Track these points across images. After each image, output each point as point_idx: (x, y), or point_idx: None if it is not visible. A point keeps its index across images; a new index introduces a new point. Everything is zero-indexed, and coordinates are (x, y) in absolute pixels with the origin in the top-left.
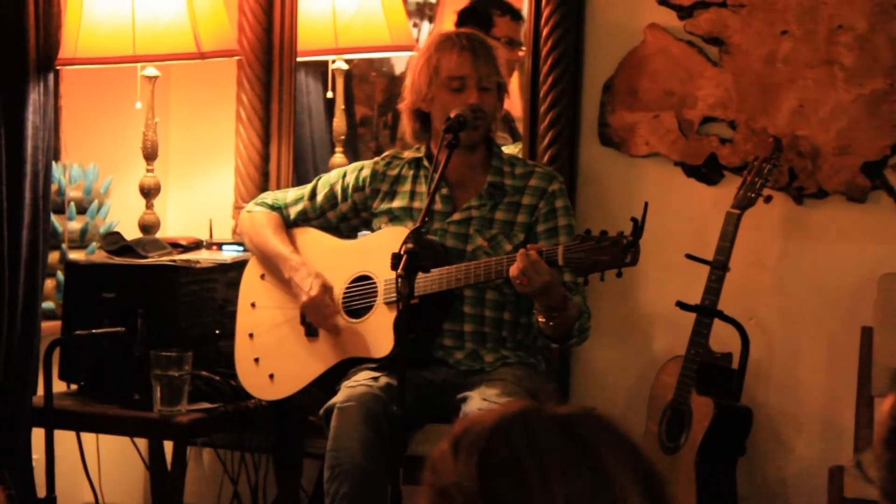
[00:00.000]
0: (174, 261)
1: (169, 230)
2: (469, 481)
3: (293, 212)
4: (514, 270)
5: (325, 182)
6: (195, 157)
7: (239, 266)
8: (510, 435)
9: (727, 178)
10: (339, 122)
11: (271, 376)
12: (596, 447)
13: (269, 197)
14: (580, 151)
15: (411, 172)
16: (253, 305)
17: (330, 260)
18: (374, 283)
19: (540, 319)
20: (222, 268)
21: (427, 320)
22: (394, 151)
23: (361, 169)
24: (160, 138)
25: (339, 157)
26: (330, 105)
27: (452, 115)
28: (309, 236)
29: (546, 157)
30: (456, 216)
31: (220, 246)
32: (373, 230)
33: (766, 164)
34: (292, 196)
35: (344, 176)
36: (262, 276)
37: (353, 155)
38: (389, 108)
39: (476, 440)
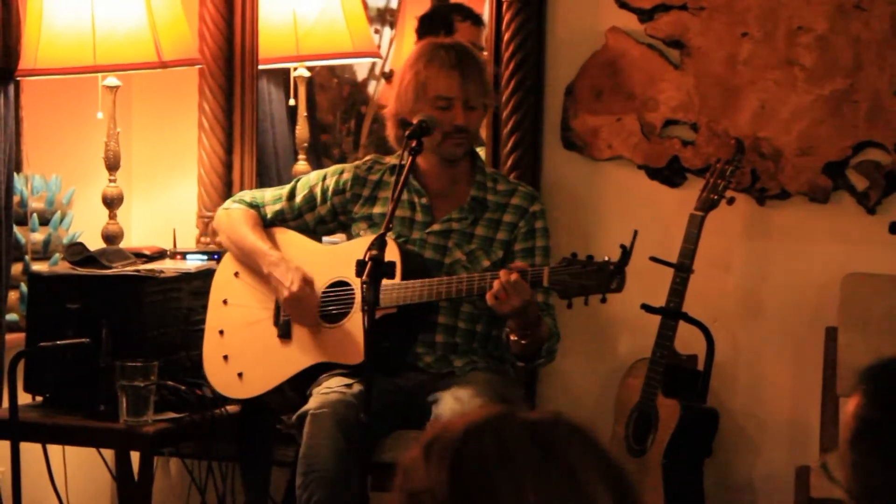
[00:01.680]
0: (138, 271)
1: (132, 240)
2: (440, 487)
3: (270, 211)
4: (496, 286)
5: (305, 183)
6: (158, 166)
7: (203, 275)
8: (481, 442)
9: (690, 180)
10: (302, 129)
11: (240, 375)
12: (566, 454)
13: (247, 195)
14: (543, 156)
15: (393, 179)
16: (225, 302)
17: (308, 262)
18: (352, 289)
19: (511, 337)
20: (186, 277)
21: (403, 330)
22: (375, 156)
23: (342, 172)
24: (122, 148)
25: (302, 164)
26: (292, 113)
27: (415, 120)
28: (287, 237)
29: (509, 162)
30: (436, 227)
31: (183, 255)
32: (350, 235)
33: (729, 165)
34: (270, 195)
35: (324, 178)
36: (237, 274)
37: (316, 162)
38: (352, 114)
39: (447, 446)
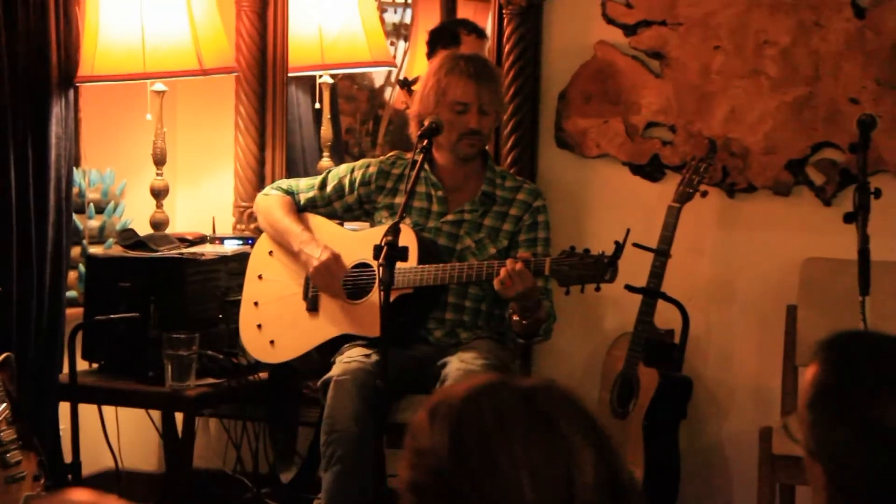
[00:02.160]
0: (181, 254)
1: (177, 227)
2: (441, 447)
3: (304, 198)
4: (502, 273)
5: (335, 175)
6: (199, 162)
7: (239, 258)
8: (479, 405)
9: (668, 175)
10: (326, 130)
11: (272, 342)
12: (555, 417)
13: (284, 183)
14: (539, 153)
15: (413, 173)
16: (260, 277)
17: (334, 244)
18: (373, 270)
19: (514, 318)
20: (224, 259)
21: (417, 308)
22: (398, 152)
23: (369, 166)
24: (168, 146)
25: (326, 160)
26: (318, 115)
27: (426, 122)
28: (317, 221)
29: (509, 159)
30: (450, 217)
31: (222, 240)
32: (373, 222)
33: (703, 163)
34: (304, 184)
35: (352, 171)
36: (271, 253)
37: (338, 159)
38: (370, 117)
39: (449, 410)
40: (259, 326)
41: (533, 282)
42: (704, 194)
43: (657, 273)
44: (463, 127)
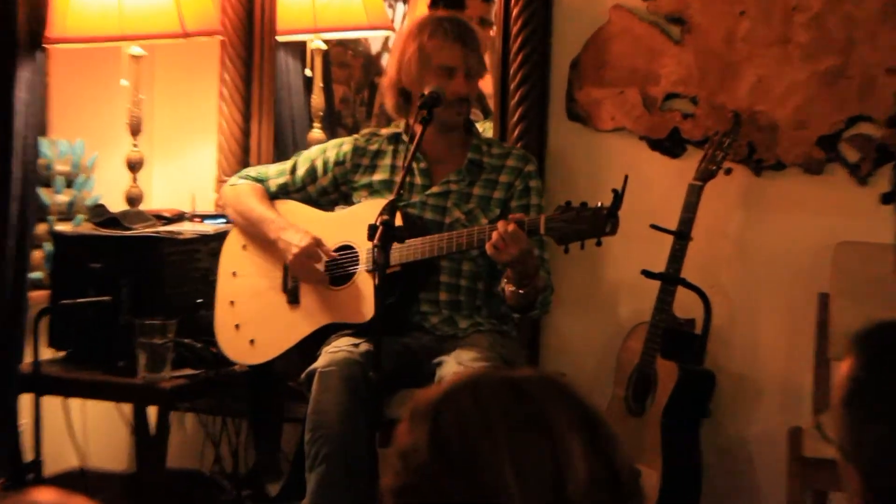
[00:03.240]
0: (158, 232)
1: (153, 203)
2: (422, 445)
3: (274, 184)
4: (494, 236)
5: (306, 157)
6: (179, 133)
7: (221, 237)
8: (458, 398)
9: (689, 151)
10: (318, 99)
11: (252, 342)
12: (543, 409)
13: (252, 171)
14: (549, 126)
15: (391, 147)
16: (234, 274)
17: (313, 229)
18: (356, 252)
19: (509, 288)
20: (204, 239)
21: (407, 287)
22: (372, 129)
23: (342, 144)
24: (145, 115)
25: (316, 132)
26: (308, 83)
27: (426, 91)
28: (291, 206)
29: (516, 133)
30: (435, 189)
31: (202, 218)
32: (352, 204)
33: (727, 137)
34: (274, 170)
35: (324, 151)
36: (244, 247)
37: (330, 131)
38: (365, 85)
39: (427, 408)
40: (237, 327)
41: (528, 243)
42: (728, 172)
43: (677, 257)
44: (451, 94)
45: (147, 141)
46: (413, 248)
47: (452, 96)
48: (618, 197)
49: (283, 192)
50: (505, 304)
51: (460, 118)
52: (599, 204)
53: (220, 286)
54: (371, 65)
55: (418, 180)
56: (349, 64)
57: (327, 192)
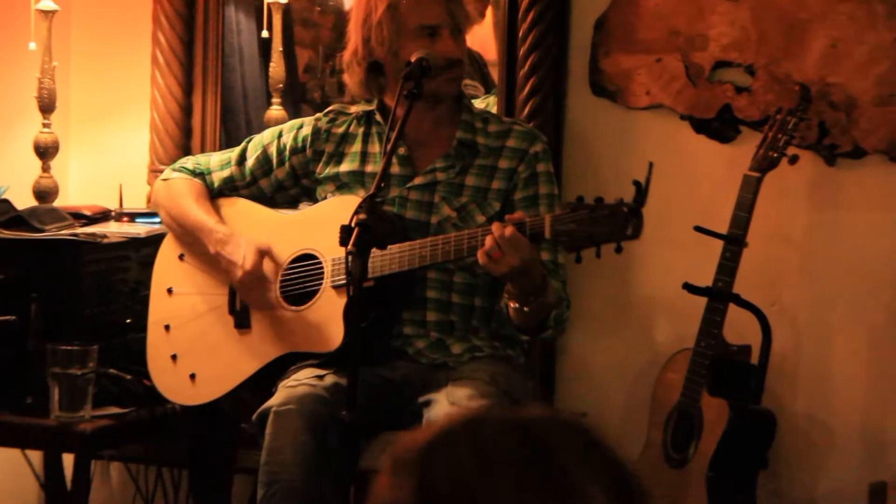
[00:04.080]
0: (76, 234)
1: (70, 198)
2: (407, 502)
3: (217, 178)
4: (488, 243)
5: (258, 144)
6: (102, 109)
7: (155, 241)
8: (454, 447)
9: (744, 134)
10: (277, 67)
11: (192, 376)
12: (557, 454)
13: (189, 162)
14: (567, 103)
15: (361, 130)
16: (169, 291)
17: (265, 236)
18: (320, 262)
19: (511, 305)
20: (135, 243)
21: (384, 307)
22: (338, 106)
23: (300, 127)
24: (59, 86)
25: (276, 109)
26: (266, 47)
27: (413, 59)
28: (238, 208)
29: (527, 110)
30: (418, 180)
31: (132, 217)
32: (315, 201)
33: (792, 117)
34: (217, 160)
35: (279, 136)
36: (181, 257)
37: (293, 108)
38: (337, 50)
39: (415, 457)
40: (174, 357)
41: (530, 250)
42: (794, 160)
43: (728, 268)
44: (439, 57)
45: (62, 120)
46: (388, 257)
47: (442, 61)
48: (641, 190)
49: (229, 187)
50: (509, 323)
51: (455, 86)
52: (620, 199)
53: (153, 306)
54: (344, 24)
55: (396, 169)
56: (316, 23)
57: (284, 186)
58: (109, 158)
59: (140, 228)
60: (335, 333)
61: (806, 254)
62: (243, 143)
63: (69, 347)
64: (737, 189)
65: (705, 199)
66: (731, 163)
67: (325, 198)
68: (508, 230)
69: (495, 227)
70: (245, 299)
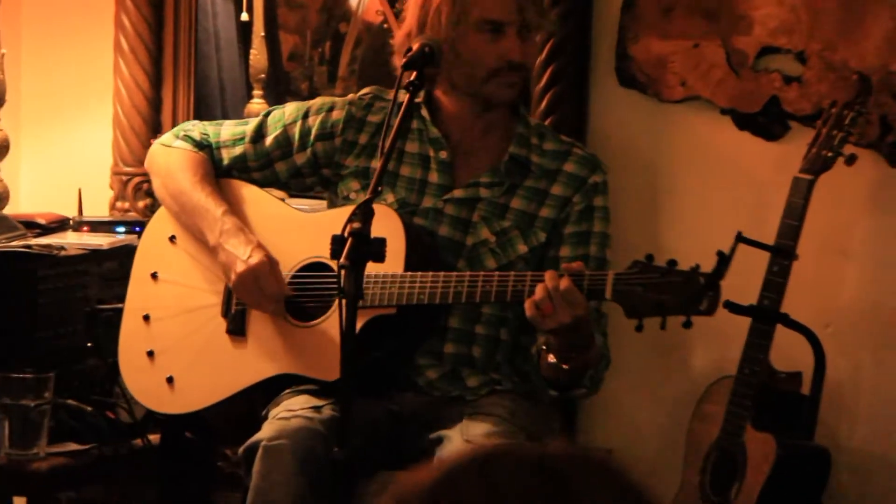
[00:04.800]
0: (29, 247)
1: (22, 204)
2: None
3: (227, 155)
4: (538, 293)
5: (277, 120)
6: (58, 103)
7: (120, 254)
8: (464, 486)
9: (794, 130)
10: (259, 55)
11: (170, 380)
12: (579, 496)
13: (195, 130)
14: (590, 95)
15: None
16: (154, 277)
17: (274, 234)
18: (335, 275)
19: (548, 358)
20: (96, 256)
21: (404, 338)
22: (376, 89)
23: (332, 109)
24: (9, 78)
25: (257, 103)
26: (246, 32)
27: (415, 46)
28: (247, 195)
29: (543, 104)
30: (457, 193)
31: (93, 226)
32: (335, 195)
33: (849, 111)
34: (228, 133)
35: (305, 116)
36: (173, 239)
37: (276, 100)
38: (327, 35)
39: (419, 498)
40: (150, 354)
41: (586, 308)
42: (851, 160)
43: (776, 284)
44: (498, 59)
45: (12, 116)
46: (419, 285)
47: (500, 63)
48: (723, 261)
49: (240, 167)
50: (537, 376)
51: (513, 92)
52: (695, 266)
53: (132, 290)
54: (335, 5)
55: (434, 177)
56: (303, 4)
57: (302, 174)
58: (66, 159)
59: (102, 240)
60: (337, 360)
61: (865, 268)
62: (259, 117)
63: (21, 376)
64: (785, 193)
65: (749, 205)
66: (779, 164)
67: (348, 197)
68: (564, 283)
69: (549, 276)
70: (241, 298)
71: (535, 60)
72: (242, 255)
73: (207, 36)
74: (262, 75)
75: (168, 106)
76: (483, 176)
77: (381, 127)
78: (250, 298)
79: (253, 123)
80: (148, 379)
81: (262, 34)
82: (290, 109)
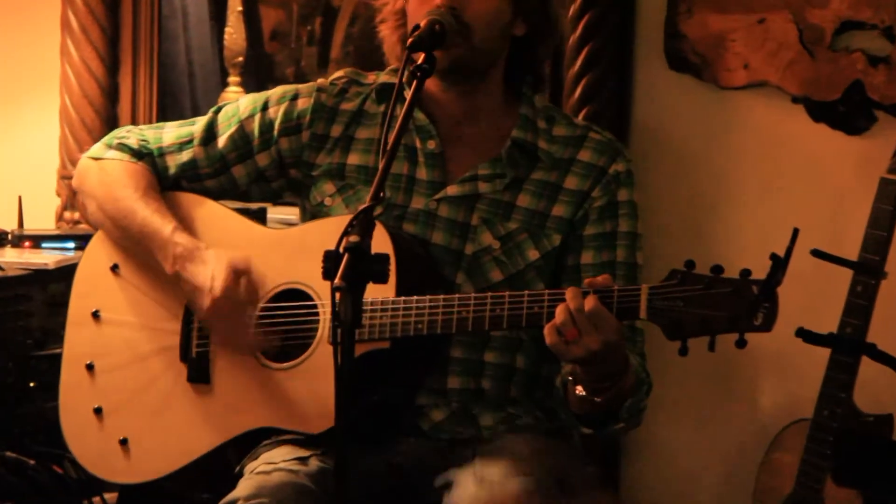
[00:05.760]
0: None
1: None
2: None
3: (174, 163)
4: (559, 316)
5: (231, 116)
6: None
7: (67, 274)
8: None
9: (881, 122)
10: (235, 34)
11: (123, 442)
12: None
13: (130, 136)
14: (635, 80)
15: (381, 108)
16: (96, 317)
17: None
18: (315, 305)
19: (576, 391)
20: (40, 277)
21: (402, 375)
22: (350, 72)
23: (296, 97)
24: None
25: (233, 91)
26: (219, 6)
27: (423, 23)
28: (199, 210)
29: (578, 91)
30: (451, 190)
31: (36, 241)
32: (308, 203)
33: None
34: (172, 136)
35: (264, 108)
36: (115, 269)
37: (256, 87)
38: (317, 11)
39: None
40: (98, 412)
41: (618, 330)
42: None
43: (860, 307)
44: (427, 8)
45: None
46: (415, 311)
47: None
48: (779, 265)
49: (189, 175)
50: (565, 410)
51: (452, 53)
52: (745, 272)
53: (70, 334)
54: None
55: (423, 173)
56: None
57: (265, 177)
58: (4, 161)
59: (47, 258)
60: (328, 407)
61: None
62: (209, 114)
63: None
64: (870, 198)
65: (827, 211)
66: (863, 162)
67: (322, 203)
68: (590, 302)
69: (571, 295)
70: (219, 334)
71: (488, 16)
72: (206, 284)
73: (173, 11)
74: (240, 58)
75: (126, 95)
76: (481, 168)
77: (357, 116)
78: (226, 336)
79: (201, 122)
80: (96, 442)
81: (240, 9)
82: (246, 102)
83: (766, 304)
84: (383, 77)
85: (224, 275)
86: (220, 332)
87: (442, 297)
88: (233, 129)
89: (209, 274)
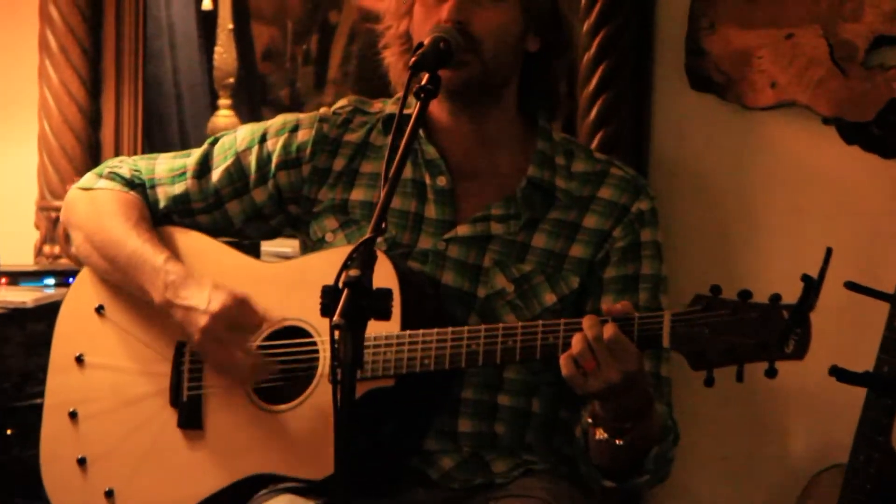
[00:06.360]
0: None
1: None
2: None
3: (165, 195)
4: (575, 346)
5: (227, 148)
6: None
7: (48, 314)
8: None
9: None
10: (226, 54)
11: (109, 494)
12: None
13: (123, 166)
14: (654, 101)
15: (388, 141)
16: (80, 361)
17: None
18: (314, 342)
19: (597, 435)
20: (18, 316)
21: (406, 417)
22: (355, 100)
23: (296, 128)
24: None
25: (224, 115)
26: (208, 25)
27: (427, 41)
28: (191, 245)
29: (592, 114)
30: (462, 230)
31: (13, 278)
32: (309, 240)
33: None
34: (165, 168)
35: (263, 139)
36: (101, 310)
37: (249, 113)
38: (313, 28)
39: None
40: (81, 462)
41: (639, 360)
42: None
43: None
44: (433, 25)
45: None
46: (421, 347)
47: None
48: (812, 287)
49: (181, 210)
50: (585, 460)
51: (458, 75)
52: (775, 297)
53: (52, 381)
54: None
55: (432, 211)
56: None
57: (262, 214)
58: None
59: (26, 296)
60: (325, 451)
61: None
62: (204, 146)
63: None
64: None
65: (860, 239)
66: None
67: (323, 239)
68: (609, 330)
69: (588, 323)
70: (214, 362)
71: (498, 35)
72: (201, 305)
73: (159, 30)
74: (231, 79)
75: (109, 120)
76: (494, 207)
77: (360, 148)
78: (225, 359)
79: (196, 154)
80: (80, 494)
81: (230, 26)
82: (244, 133)
83: (798, 329)
84: (390, 106)
85: (223, 296)
86: (215, 358)
87: (450, 329)
88: (228, 161)
89: (205, 296)
